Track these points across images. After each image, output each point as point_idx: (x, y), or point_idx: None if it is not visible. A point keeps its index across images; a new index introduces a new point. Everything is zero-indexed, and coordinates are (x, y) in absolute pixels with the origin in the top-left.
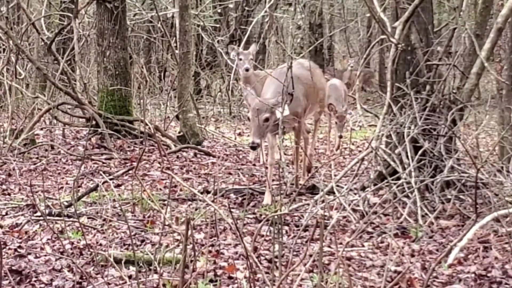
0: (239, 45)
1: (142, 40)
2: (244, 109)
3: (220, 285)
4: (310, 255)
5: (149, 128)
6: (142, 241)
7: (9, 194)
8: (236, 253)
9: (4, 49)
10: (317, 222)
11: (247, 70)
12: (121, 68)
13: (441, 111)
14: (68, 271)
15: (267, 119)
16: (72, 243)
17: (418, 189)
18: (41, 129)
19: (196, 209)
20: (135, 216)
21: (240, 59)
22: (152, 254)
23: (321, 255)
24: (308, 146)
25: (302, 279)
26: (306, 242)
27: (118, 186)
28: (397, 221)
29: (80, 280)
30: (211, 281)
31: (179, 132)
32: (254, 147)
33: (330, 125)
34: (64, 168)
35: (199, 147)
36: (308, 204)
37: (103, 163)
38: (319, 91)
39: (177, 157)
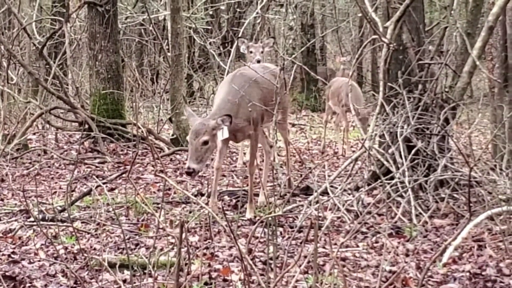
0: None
1: (134, 43)
2: None
3: (215, 287)
4: (305, 256)
5: (142, 131)
6: (136, 244)
7: (2, 200)
8: (231, 255)
9: None
10: (311, 223)
11: (258, 61)
12: (113, 71)
13: (434, 110)
14: (62, 276)
15: (205, 142)
16: (66, 248)
17: (412, 188)
18: (34, 133)
19: (190, 212)
20: (129, 220)
21: (251, 52)
22: (146, 257)
23: (315, 256)
24: (268, 161)
25: (297, 281)
26: (301, 243)
27: (111, 190)
28: (391, 220)
29: (75, 285)
30: (206, 284)
31: (172, 135)
32: (190, 173)
33: (347, 127)
34: (57, 172)
35: None
36: (302, 205)
37: (96, 167)
38: (282, 99)
39: (171, 160)
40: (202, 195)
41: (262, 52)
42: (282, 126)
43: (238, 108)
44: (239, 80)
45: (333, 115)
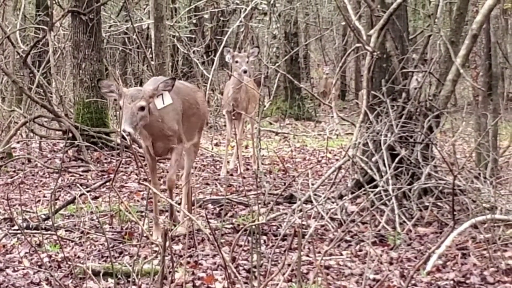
0: (214, 55)
1: (117, 52)
2: (221, 119)
3: None
4: (289, 265)
5: (126, 139)
6: (120, 253)
7: None
8: (215, 263)
9: None
10: (295, 231)
11: (245, 72)
12: (97, 80)
13: (418, 118)
14: (47, 284)
15: (142, 108)
16: (50, 256)
17: (395, 196)
18: (18, 142)
19: (174, 220)
20: (113, 228)
21: (236, 62)
22: (130, 266)
23: (299, 264)
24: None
25: None
26: (285, 251)
27: (95, 198)
28: (375, 229)
29: None
30: None
31: None
32: (125, 136)
33: None
34: (41, 181)
35: None
36: (286, 214)
37: (80, 175)
38: (201, 117)
39: None
40: None
41: (247, 61)
42: (192, 150)
43: (163, 114)
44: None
45: None
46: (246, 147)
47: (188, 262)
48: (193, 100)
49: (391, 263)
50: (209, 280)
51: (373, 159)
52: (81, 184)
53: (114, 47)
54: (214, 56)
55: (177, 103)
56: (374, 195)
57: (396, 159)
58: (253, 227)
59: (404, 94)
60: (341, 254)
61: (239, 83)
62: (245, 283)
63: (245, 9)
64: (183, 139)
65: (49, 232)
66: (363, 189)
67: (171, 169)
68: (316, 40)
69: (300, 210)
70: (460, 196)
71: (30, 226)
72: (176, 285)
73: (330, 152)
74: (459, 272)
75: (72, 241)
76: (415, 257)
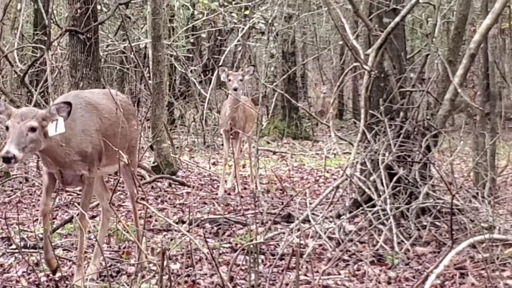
0: (212, 75)
1: (115, 71)
2: (219, 138)
3: None
4: (287, 284)
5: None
6: (118, 272)
7: None
8: (212, 283)
9: None
10: (293, 250)
11: (235, 89)
12: None
13: (415, 137)
14: None
15: (33, 129)
16: (48, 276)
17: (393, 216)
18: None
19: (171, 240)
20: (110, 247)
21: (229, 80)
22: (128, 285)
23: (297, 284)
24: (106, 221)
25: None
26: (282, 271)
27: (93, 217)
28: (373, 248)
29: None
30: None
31: (153, 162)
32: (8, 158)
33: None
34: (39, 200)
35: (173, 177)
36: (283, 233)
37: (78, 194)
38: (126, 137)
39: (152, 187)
40: (183, 222)
41: (241, 80)
42: (128, 173)
43: (69, 135)
44: (73, 102)
45: None
46: (244, 166)
47: (186, 282)
48: (115, 119)
49: (389, 283)
50: None
51: (371, 179)
52: (78, 203)
53: (111, 66)
54: (212, 75)
55: (91, 122)
56: (372, 214)
57: (394, 179)
58: (251, 246)
59: (402, 113)
60: (339, 274)
61: (236, 102)
62: None
63: (243, 28)
64: (95, 166)
65: None
66: (361, 208)
67: (83, 207)
68: (314, 59)
69: (298, 230)
70: (458, 215)
71: (28, 245)
72: None
73: (327, 172)
74: None
75: (70, 260)
76: (413, 277)
